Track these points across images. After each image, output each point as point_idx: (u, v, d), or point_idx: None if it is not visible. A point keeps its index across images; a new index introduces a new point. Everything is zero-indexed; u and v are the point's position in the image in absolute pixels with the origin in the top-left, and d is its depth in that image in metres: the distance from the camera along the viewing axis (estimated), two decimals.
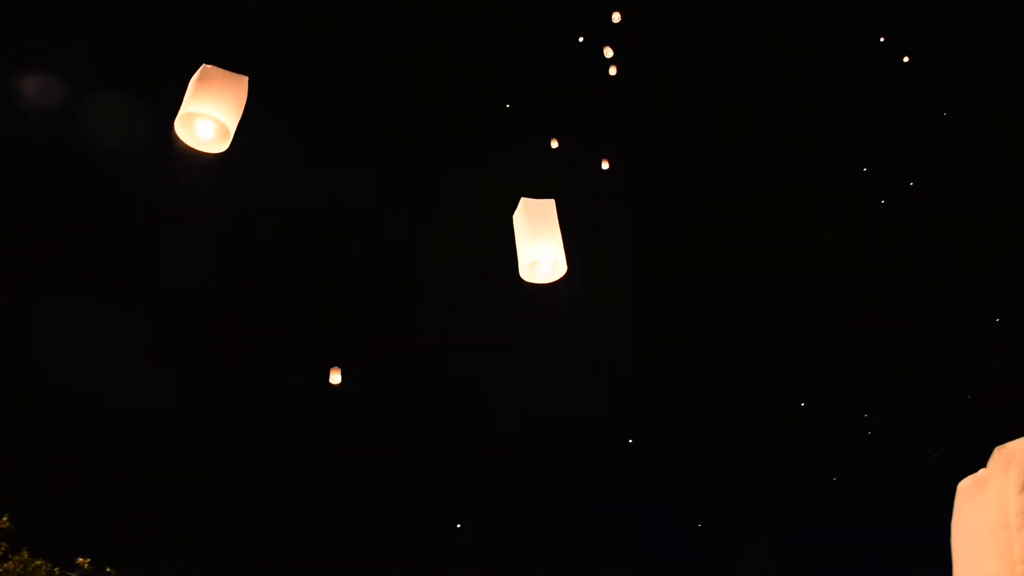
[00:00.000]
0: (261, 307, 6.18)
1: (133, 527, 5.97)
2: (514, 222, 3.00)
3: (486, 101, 5.74)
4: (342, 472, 6.41)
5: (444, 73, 5.64)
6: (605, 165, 5.32)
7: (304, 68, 5.57)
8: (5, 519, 5.38)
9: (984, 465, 1.12)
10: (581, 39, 5.45)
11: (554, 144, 5.22)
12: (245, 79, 2.76)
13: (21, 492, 5.63)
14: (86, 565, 5.71)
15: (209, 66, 2.70)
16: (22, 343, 5.62)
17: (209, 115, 2.71)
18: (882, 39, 6.15)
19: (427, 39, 5.51)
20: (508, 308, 6.35)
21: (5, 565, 5.44)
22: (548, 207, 2.97)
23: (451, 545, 6.86)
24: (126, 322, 5.83)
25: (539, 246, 2.89)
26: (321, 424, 6.38)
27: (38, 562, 5.53)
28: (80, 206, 5.52)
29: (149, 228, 5.72)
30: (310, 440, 6.36)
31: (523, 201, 2.98)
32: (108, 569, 5.75)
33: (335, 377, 5.37)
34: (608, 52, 5.15)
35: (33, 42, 5.09)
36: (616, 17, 5.05)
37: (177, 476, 6.22)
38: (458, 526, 6.88)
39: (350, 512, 6.52)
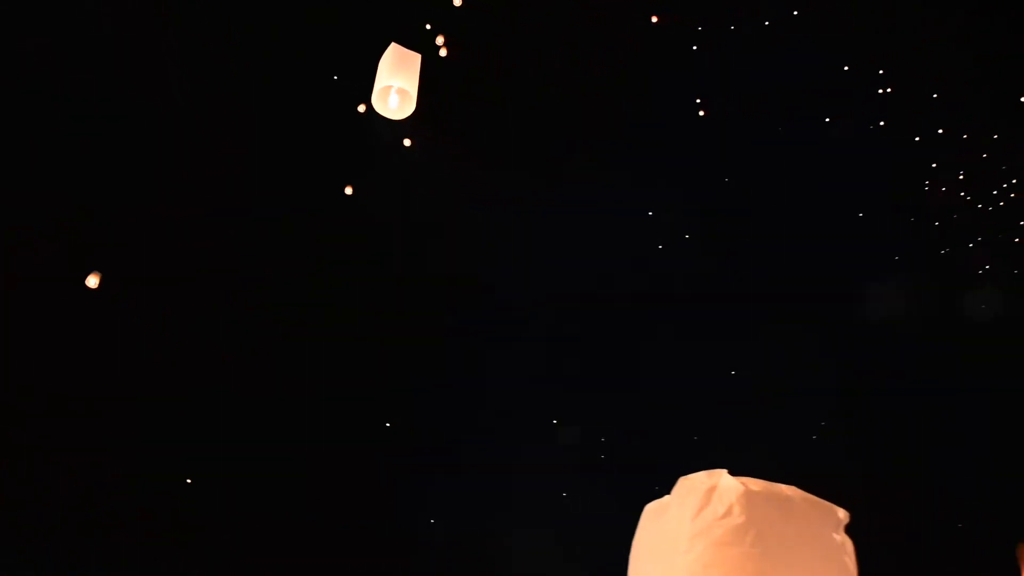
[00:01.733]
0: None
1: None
2: (379, 63, 3.42)
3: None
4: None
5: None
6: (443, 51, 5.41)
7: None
8: None
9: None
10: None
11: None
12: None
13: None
14: None
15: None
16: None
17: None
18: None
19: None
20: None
21: None
22: (414, 57, 3.37)
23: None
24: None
25: (395, 78, 3.26)
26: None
27: None
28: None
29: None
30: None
31: (393, 45, 3.36)
32: None
33: (92, 281, 5.34)
34: (440, 39, 5.32)
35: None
36: (457, 1, 5.24)
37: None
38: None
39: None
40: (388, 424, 6.65)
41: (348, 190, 5.93)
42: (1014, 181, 6.59)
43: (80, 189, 5.73)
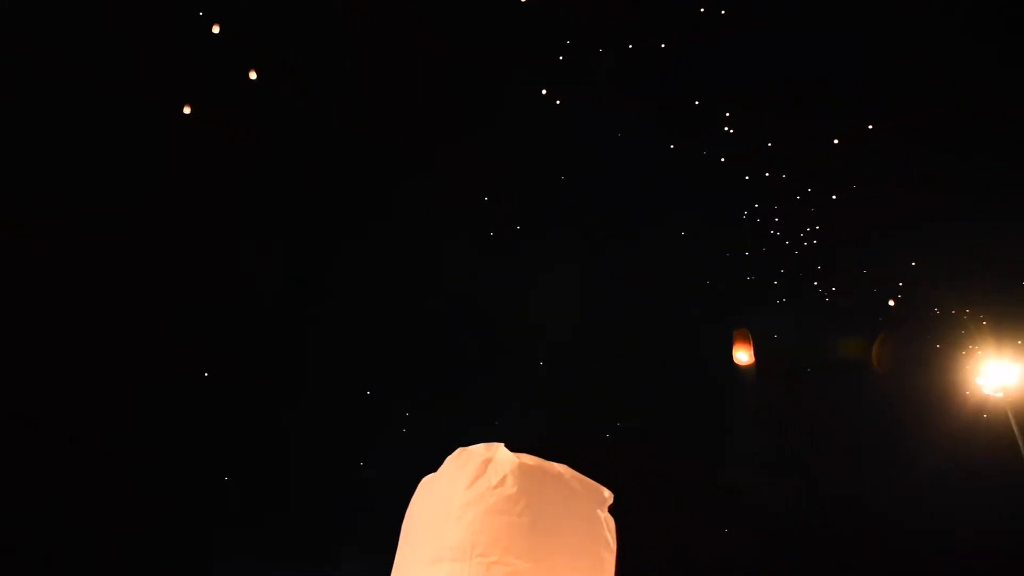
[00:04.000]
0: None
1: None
2: None
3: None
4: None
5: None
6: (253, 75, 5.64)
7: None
8: None
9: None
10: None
11: None
12: None
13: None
14: None
15: None
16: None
17: None
18: None
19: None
20: None
21: None
22: None
23: None
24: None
25: None
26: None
27: None
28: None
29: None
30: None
31: None
32: None
33: None
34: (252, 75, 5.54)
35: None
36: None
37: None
38: None
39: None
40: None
41: (186, 110, 5.78)
42: (817, 227, 7.41)
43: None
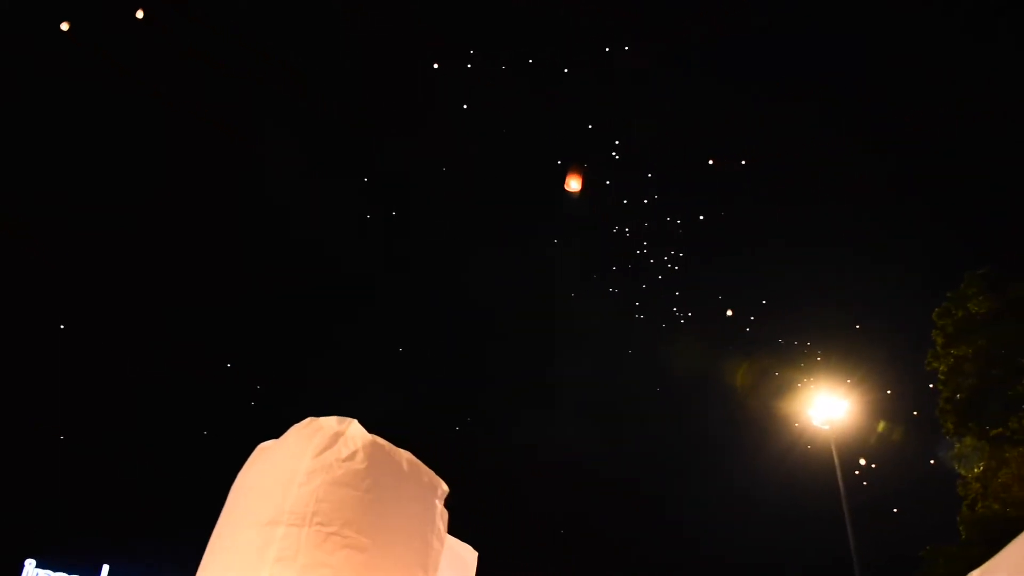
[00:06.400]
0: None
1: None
2: None
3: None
4: None
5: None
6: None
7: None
8: None
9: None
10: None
11: None
12: None
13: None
14: None
15: None
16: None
17: None
18: None
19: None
20: None
21: None
22: None
23: None
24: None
25: None
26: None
27: None
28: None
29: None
30: None
31: None
32: None
33: None
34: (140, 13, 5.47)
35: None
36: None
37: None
38: None
39: None
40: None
41: (64, 26, 5.45)
42: (681, 254, 7.83)
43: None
